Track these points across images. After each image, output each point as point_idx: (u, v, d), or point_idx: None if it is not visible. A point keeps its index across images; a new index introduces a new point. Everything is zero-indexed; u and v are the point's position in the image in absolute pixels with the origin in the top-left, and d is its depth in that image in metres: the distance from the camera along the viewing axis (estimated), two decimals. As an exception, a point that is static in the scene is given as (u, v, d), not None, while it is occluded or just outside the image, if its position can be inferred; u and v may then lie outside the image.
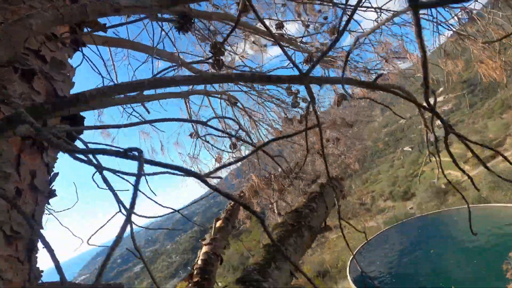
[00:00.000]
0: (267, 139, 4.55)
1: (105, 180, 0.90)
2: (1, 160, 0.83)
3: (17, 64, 1.12)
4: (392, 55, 3.00)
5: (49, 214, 1.90)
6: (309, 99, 0.93)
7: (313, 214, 1.65)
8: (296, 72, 0.81)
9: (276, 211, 7.11)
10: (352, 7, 2.26)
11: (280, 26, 3.07)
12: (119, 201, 1.07)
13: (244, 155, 4.99)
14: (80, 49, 1.90)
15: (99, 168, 0.92)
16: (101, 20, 2.06)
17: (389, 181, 42.83)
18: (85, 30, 1.95)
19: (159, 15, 2.07)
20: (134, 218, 1.24)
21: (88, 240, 1.58)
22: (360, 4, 2.18)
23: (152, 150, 4.09)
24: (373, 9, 2.18)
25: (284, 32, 3.16)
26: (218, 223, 3.52)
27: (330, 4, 2.11)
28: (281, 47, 0.75)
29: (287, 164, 5.46)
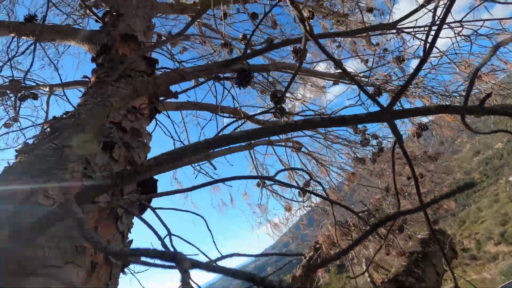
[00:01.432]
0: (337, 182, 4.20)
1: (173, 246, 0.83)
2: (79, 234, 0.84)
3: (100, 137, 1.24)
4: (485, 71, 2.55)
5: (130, 274, 1.94)
6: (393, 136, 0.75)
7: (421, 286, 1.27)
8: (363, 109, 0.65)
9: (357, 262, 6.26)
10: (423, 31, 2.07)
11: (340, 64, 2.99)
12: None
13: (314, 201, 4.67)
14: (156, 118, 2.10)
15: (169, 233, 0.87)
16: (173, 87, 2.29)
17: (496, 220, 34.94)
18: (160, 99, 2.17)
19: (221, 75, 2.20)
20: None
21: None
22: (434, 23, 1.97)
23: (223, 203, 4.15)
24: (449, 27, 1.94)
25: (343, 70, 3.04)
26: (297, 278, 3.19)
27: (394, 31, 1.96)
28: (354, 79, 0.63)
29: (364, 208, 4.88)
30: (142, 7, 2.93)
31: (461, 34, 2.13)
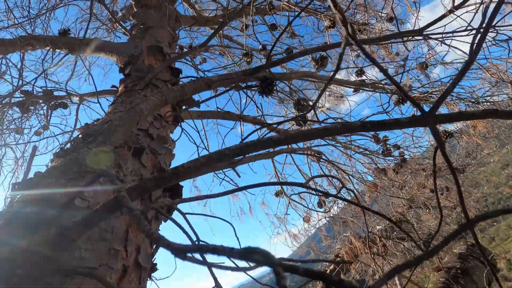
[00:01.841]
0: (357, 192, 4.08)
1: (203, 256, 0.83)
2: (113, 236, 0.85)
3: (130, 143, 1.27)
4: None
5: (150, 281, 1.95)
6: (434, 143, 0.71)
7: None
8: (387, 117, 0.63)
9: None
10: (448, 36, 2.01)
11: (360, 72, 2.95)
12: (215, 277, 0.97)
13: (334, 212, 4.55)
14: (180, 125, 2.14)
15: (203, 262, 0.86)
16: (195, 97, 2.34)
17: (529, 238, 32.59)
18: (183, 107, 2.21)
19: (243, 84, 2.22)
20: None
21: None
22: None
23: (241, 211, 4.13)
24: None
25: (366, 78, 3.01)
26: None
27: (421, 37, 1.91)
28: (397, 84, 0.61)
29: (388, 220, 4.69)
30: (166, 20, 3.04)
31: (495, 39, 2.05)
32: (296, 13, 3.36)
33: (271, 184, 0.86)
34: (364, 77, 3.00)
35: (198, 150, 1.83)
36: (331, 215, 3.93)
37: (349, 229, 4.76)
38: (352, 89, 3.07)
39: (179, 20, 3.44)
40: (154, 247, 1.11)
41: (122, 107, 1.71)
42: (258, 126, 2.44)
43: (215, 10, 4.41)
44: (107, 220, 0.79)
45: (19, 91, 3.06)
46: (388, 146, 4.84)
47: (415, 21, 2.14)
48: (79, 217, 0.62)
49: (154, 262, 1.10)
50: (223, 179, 1.94)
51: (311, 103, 3.38)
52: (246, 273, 1.08)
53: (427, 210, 5.71)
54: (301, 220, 4.72)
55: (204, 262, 0.33)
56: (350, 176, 3.56)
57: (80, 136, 1.43)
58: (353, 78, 3.46)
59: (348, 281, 0.26)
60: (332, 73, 1.37)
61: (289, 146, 2.91)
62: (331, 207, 3.64)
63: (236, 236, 1.17)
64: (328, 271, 3.64)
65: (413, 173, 5.33)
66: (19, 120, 3.16)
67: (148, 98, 1.32)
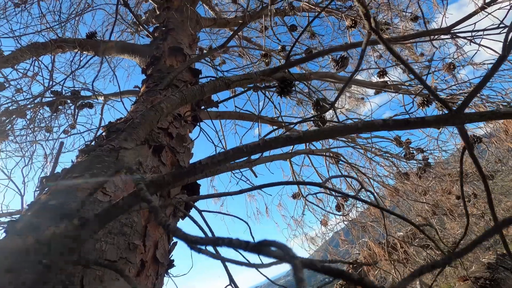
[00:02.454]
0: (378, 196, 3.95)
1: (216, 251, 0.83)
2: (132, 231, 0.87)
3: (150, 141, 1.30)
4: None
5: (168, 277, 1.98)
6: (463, 144, 0.67)
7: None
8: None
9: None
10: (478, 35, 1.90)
11: (383, 73, 2.87)
12: (229, 274, 0.97)
13: (352, 216, 4.44)
14: (199, 124, 2.17)
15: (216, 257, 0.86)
16: (213, 97, 2.37)
17: None
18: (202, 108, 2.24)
19: (262, 85, 2.22)
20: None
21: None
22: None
23: (258, 212, 4.12)
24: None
25: (388, 79, 2.92)
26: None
27: (448, 36, 1.82)
28: (425, 84, 0.58)
29: (411, 226, 4.51)
30: (187, 22, 3.11)
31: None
32: (316, 13, 3.32)
33: (288, 183, 0.85)
34: (386, 78, 2.91)
35: (216, 150, 1.85)
36: (350, 219, 3.83)
37: (367, 234, 4.62)
38: (374, 91, 2.98)
39: (199, 22, 3.51)
40: (171, 243, 1.12)
41: (144, 106, 1.76)
42: (275, 127, 2.43)
43: (235, 11, 4.45)
44: (127, 213, 0.81)
45: (49, 91, 3.23)
46: (410, 149, 4.67)
47: (442, 19, 2.05)
48: (100, 210, 0.63)
49: (171, 258, 1.12)
50: (240, 179, 1.95)
51: (330, 103, 3.32)
52: (259, 271, 1.07)
53: (452, 218, 5.43)
54: (318, 223, 4.65)
55: (218, 257, 0.33)
56: (370, 179, 3.45)
57: (104, 133, 1.48)
58: (374, 79, 3.37)
59: (368, 279, 0.24)
60: (346, 81, 1.33)
61: (307, 146, 2.87)
62: (349, 211, 3.55)
63: (251, 235, 1.17)
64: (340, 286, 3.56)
65: (437, 178, 5.10)
66: (49, 118, 3.33)
67: (168, 97, 1.35)
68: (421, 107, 2.34)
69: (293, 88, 2.05)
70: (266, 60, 3.25)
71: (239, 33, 4.64)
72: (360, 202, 3.65)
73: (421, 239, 5.24)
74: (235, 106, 2.96)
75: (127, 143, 1.15)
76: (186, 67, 2.33)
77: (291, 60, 1.99)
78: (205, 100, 2.37)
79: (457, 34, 1.74)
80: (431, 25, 4.26)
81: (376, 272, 5.10)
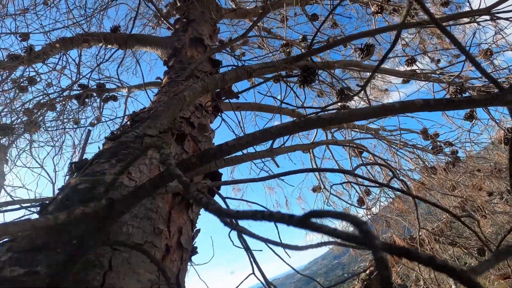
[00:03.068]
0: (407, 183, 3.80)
1: (243, 238, 0.81)
2: (157, 216, 0.87)
3: (173, 129, 1.31)
4: None
5: (190, 265, 2.02)
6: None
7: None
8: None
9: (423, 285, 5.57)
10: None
11: (411, 61, 2.72)
12: (255, 262, 0.95)
13: (375, 212, 4.31)
14: (220, 115, 2.17)
15: (239, 231, 0.85)
16: (233, 90, 2.35)
17: None
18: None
19: (284, 75, 2.17)
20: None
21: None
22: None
23: (277, 204, 4.10)
24: None
25: (417, 67, 2.76)
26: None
27: (488, 17, 1.67)
28: (480, 68, 0.52)
29: (439, 221, 4.32)
30: (208, 13, 3.09)
31: None
32: (338, 1, 3.19)
33: (316, 170, 0.81)
34: (414, 67, 2.76)
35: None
36: (373, 213, 3.72)
37: (391, 230, 4.47)
38: (400, 81, 2.84)
39: (220, 13, 3.49)
40: (194, 231, 1.13)
41: (166, 96, 1.77)
42: (296, 119, 2.38)
43: (255, 1, 4.38)
44: (152, 198, 0.81)
45: (77, 84, 3.35)
46: (438, 142, 4.44)
47: (480, 1, 1.89)
48: (127, 192, 0.63)
49: (195, 245, 1.12)
50: (261, 169, 1.93)
51: (354, 92, 3.21)
52: (286, 262, 1.05)
53: (483, 215, 5.14)
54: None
55: (256, 236, 0.30)
56: (394, 172, 3.31)
57: (128, 122, 1.51)
58: (401, 70, 3.21)
59: (451, 265, 0.21)
60: (378, 63, 1.26)
61: (333, 135, 2.80)
62: (373, 204, 3.44)
63: (275, 225, 1.14)
64: (368, 272, 3.47)
65: (467, 173, 4.83)
66: (76, 111, 3.47)
67: (190, 86, 1.35)
68: (454, 96, 2.19)
69: (316, 77, 1.99)
70: (287, 50, 3.19)
71: (259, 24, 4.58)
72: (383, 196, 3.53)
73: (447, 237, 5.00)
74: (255, 98, 2.94)
75: (151, 130, 1.15)
76: (207, 58, 2.32)
77: (312, 47, 1.92)
78: (226, 90, 2.36)
79: (498, 15, 1.60)
80: (463, 9, 3.98)
81: (398, 269, 4.95)
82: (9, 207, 1.61)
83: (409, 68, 2.74)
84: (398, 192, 3.93)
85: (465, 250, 4.24)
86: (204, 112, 1.96)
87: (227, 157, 1.53)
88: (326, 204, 4.09)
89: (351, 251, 3.99)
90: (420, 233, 3.96)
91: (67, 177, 1.07)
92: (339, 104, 2.02)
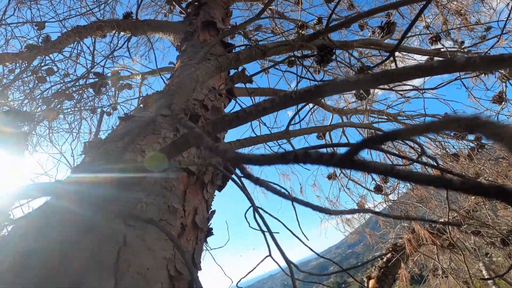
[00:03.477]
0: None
1: (261, 216, 0.78)
2: (172, 195, 0.85)
3: (186, 110, 1.28)
4: None
5: (205, 250, 2.03)
6: None
7: None
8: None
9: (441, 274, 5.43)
10: None
11: (436, 39, 2.55)
12: (277, 243, 0.92)
13: (392, 197, 4.20)
14: (234, 98, 2.13)
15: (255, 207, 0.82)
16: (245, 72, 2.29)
17: None
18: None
19: (299, 56, 2.08)
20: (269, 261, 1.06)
21: (238, 282, 1.51)
22: None
23: (292, 191, 4.07)
24: None
25: (442, 46, 2.60)
26: (371, 284, 2.91)
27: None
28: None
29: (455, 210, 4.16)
30: (220, -4, 3.01)
31: None
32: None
33: (338, 145, 0.76)
34: (439, 46, 2.59)
35: (251, 125, 1.79)
36: (391, 201, 3.62)
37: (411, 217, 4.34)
38: (425, 60, 2.68)
39: (232, -6, 3.39)
40: (209, 212, 1.10)
41: (179, 79, 1.74)
42: (311, 104, 2.30)
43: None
44: (167, 165, 0.78)
45: (92, 72, 3.39)
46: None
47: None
48: (139, 163, 0.60)
49: (210, 227, 1.10)
50: (276, 153, 1.88)
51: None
52: (307, 245, 1.01)
53: (507, 205, 4.90)
54: (354, 205, 4.48)
55: (283, 194, 0.26)
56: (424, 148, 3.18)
57: (141, 105, 1.49)
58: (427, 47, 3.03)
59: None
60: (404, 32, 1.16)
61: (349, 119, 2.71)
62: (393, 190, 3.33)
63: (293, 206, 1.11)
64: (385, 260, 3.39)
65: (491, 160, 4.60)
66: (92, 99, 3.51)
67: (203, 65, 1.30)
68: (485, 75, 2.04)
69: (333, 57, 1.90)
70: (302, 32, 3.07)
71: (272, 8, 4.45)
72: (402, 183, 3.42)
73: (468, 227, 4.81)
74: (268, 86, 2.88)
75: (165, 110, 1.13)
76: (219, 40, 2.27)
77: (331, 25, 1.82)
78: (239, 74, 2.30)
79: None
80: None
81: (416, 258, 4.84)
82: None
83: (433, 47, 2.58)
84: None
85: (488, 239, 4.07)
86: (217, 96, 1.92)
87: (242, 138, 1.49)
88: (341, 191, 4.02)
89: (367, 237, 3.92)
90: (449, 215, 3.83)
91: (83, 157, 1.06)
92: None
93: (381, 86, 1.94)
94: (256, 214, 0.89)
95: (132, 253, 0.66)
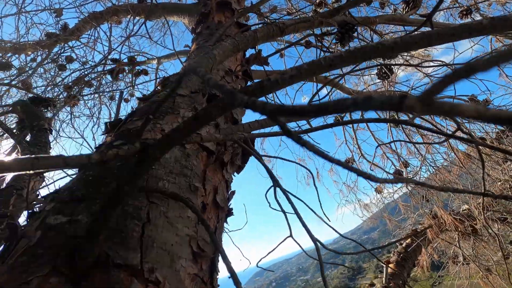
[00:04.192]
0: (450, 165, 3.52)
1: (286, 193, 0.76)
2: (192, 173, 0.84)
3: (204, 90, 1.26)
4: None
5: (224, 231, 2.06)
6: None
7: None
8: None
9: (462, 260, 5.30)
10: None
11: (467, 13, 2.37)
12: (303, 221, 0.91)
13: (413, 183, 4.08)
14: (251, 80, 2.09)
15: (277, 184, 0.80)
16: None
17: None
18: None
19: (318, 35, 2.00)
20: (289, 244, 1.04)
21: (258, 263, 1.52)
22: None
23: (308, 176, 4.04)
24: None
25: (472, 19, 2.42)
26: (391, 268, 2.88)
27: None
28: None
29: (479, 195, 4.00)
30: (235, -25, 2.92)
31: None
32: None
33: (364, 121, 0.72)
34: (469, 20, 2.41)
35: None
36: (413, 184, 3.51)
37: (429, 205, 4.24)
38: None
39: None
40: (229, 192, 1.10)
41: (194, 56, 1.72)
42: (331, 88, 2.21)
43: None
44: (187, 137, 0.77)
45: (109, 59, 3.42)
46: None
47: None
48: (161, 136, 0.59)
49: (230, 207, 1.10)
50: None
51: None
52: (331, 227, 0.99)
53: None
54: (372, 190, 4.40)
55: (325, 155, 0.23)
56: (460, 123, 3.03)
57: (159, 87, 1.49)
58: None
59: None
60: (435, 6, 1.07)
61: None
62: (416, 173, 3.23)
63: (315, 185, 1.09)
64: (404, 245, 3.34)
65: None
66: (110, 85, 3.57)
67: (220, 44, 1.27)
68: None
69: (355, 34, 1.81)
70: (320, 10, 2.94)
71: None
72: (423, 168, 3.31)
73: (493, 214, 4.62)
74: (285, 65, 2.80)
75: (182, 90, 1.11)
76: (235, 22, 2.21)
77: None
78: (255, 55, 2.25)
79: None
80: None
81: (435, 245, 4.74)
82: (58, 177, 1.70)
83: (463, 21, 2.40)
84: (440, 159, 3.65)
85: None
86: (234, 78, 1.89)
87: (260, 119, 1.46)
88: (359, 177, 3.94)
89: (388, 222, 3.85)
90: (461, 210, 3.71)
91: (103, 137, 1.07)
92: (380, 60, 1.83)
93: (406, 64, 1.83)
94: (278, 196, 0.87)
95: (155, 229, 0.66)
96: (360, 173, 0.28)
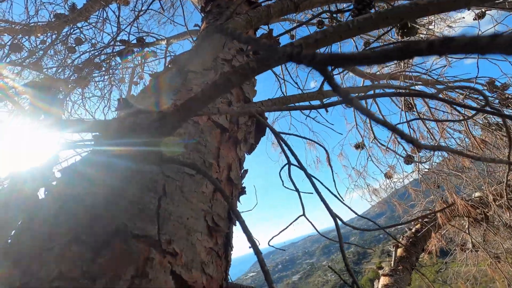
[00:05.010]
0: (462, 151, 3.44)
1: (305, 169, 0.75)
2: (206, 150, 0.83)
3: (216, 69, 1.23)
4: None
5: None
6: None
7: None
8: None
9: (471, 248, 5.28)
10: None
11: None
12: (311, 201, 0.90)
13: (422, 172, 4.02)
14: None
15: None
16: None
17: None
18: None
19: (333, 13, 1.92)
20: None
21: (270, 241, 1.54)
22: None
23: (318, 160, 4.02)
24: None
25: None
26: (399, 252, 2.89)
27: None
28: None
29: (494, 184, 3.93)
30: (245, -49, 2.80)
31: None
32: None
33: (394, 94, 0.69)
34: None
35: (280, 86, 1.71)
36: (424, 170, 3.46)
37: (440, 191, 4.18)
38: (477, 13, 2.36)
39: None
40: (242, 171, 1.09)
41: (205, 31, 1.68)
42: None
43: None
44: (205, 106, 0.76)
45: (118, 40, 3.39)
46: (508, 96, 3.87)
47: None
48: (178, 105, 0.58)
49: (243, 186, 1.09)
50: (307, 116, 1.81)
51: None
52: (348, 206, 0.97)
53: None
54: (382, 176, 4.36)
55: (375, 118, 0.21)
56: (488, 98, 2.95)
57: (169, 65, 1.46)
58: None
59: None
60: None
61: (386, 81, 2.53)
62: (429, 158, 3.17)
63: (329, 164, 1.07)
64: (413, 230, 3.34)
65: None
66: (120, 67, 3.55)
67: (233, 19, 1.23)
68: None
69: (372, 11, 1.72)
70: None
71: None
72: (437, 153, 3.24)
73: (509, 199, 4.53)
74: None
75: (194, 66, 1.09)
76: (245, 0, 2.14)
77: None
78: (267, 35, 2.19)
79: None
80: None
81: (444, 231, 4.72)
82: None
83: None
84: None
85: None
86: (245, 57, 1.85)
87: (273, 98, 1.43)
88: (368, 161, 3.91)
89: (398, 206, 3.83)
90: (474, 197, 3.64)
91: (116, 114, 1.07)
92: (400, 36, 1.75)
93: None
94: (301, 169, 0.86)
95: (172, 203, 0.66)
96: (403, 136, 0.26)
